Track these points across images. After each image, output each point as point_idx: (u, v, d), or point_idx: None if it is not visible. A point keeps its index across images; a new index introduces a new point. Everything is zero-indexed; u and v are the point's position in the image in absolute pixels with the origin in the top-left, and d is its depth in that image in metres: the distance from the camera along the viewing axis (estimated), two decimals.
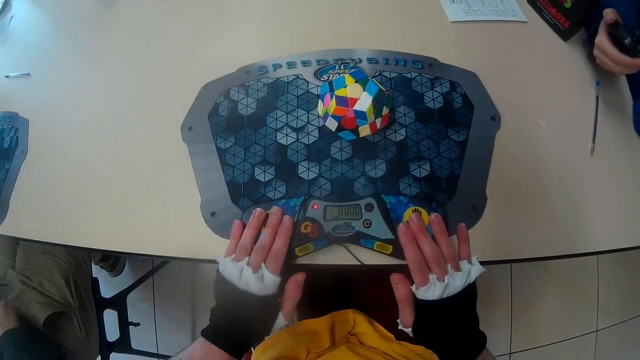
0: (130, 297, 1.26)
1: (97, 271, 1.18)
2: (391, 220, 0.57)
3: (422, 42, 0.76)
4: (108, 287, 1.31)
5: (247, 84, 0.70)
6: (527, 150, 0.68)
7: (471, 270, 0.53)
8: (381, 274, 0.58)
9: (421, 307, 0.54)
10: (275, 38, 0.79)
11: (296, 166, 0.63)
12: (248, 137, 0.66)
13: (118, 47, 0.87)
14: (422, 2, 0.83)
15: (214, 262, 0.57)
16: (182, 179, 0.67)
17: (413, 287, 0.53)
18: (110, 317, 1.17)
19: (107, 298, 1.19)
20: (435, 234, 0.55)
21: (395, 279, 0.55)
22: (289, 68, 0.71)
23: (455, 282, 0.52)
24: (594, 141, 0.71)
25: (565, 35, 0.78)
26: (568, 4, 0.75)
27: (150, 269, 1.41)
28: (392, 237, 0.56)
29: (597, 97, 0.74)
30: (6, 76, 0.93)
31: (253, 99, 0.69)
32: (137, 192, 0.69)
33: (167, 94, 0.76)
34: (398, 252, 0.56)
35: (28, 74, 0.90)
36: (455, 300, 0.52)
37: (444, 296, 0.51)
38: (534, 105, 0.73)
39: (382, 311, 0.66)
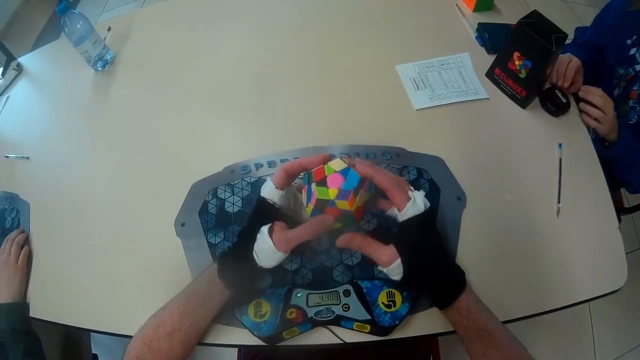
0: None
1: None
2: (367, 303, 0.68)
3: (391, 133, 0.88)
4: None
5: (232, 182, 0.83)
6: (495, 222, 0.78)
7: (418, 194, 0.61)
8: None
9: (404, 228, 0.60)
10: (257, 139, 0.92)
11: None
12: (236, 233, 0.77)
13: (112, 138, 0.99)
14: (389, 94, 0.96)
15: (215, 345, 0.68)
16: (176, 271, 0.76)
17: (395, 211, 0.61)
18: None
19: None
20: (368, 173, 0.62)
21: (345, 240, 0.63)
22: (270, 167, 0.84)
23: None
24: (559, 202, 0.80)
25: (523, 103, 0.90)
26: (523, 75, 0.87)
27: None
28: (370, 317, 0.67)
29: (560, 159, 0.84)
30: (6, 156, 1.02)
31: (238, 197, 0.81)
32: (135, 281, 0.78)
33: (160, 190, 0.88)
34: (375, 330, 0.67)
35: (28, 158, 1.01)
36: (428, 215, 0.60)
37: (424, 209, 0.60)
38: (499, 178, 0.83)
39: None
